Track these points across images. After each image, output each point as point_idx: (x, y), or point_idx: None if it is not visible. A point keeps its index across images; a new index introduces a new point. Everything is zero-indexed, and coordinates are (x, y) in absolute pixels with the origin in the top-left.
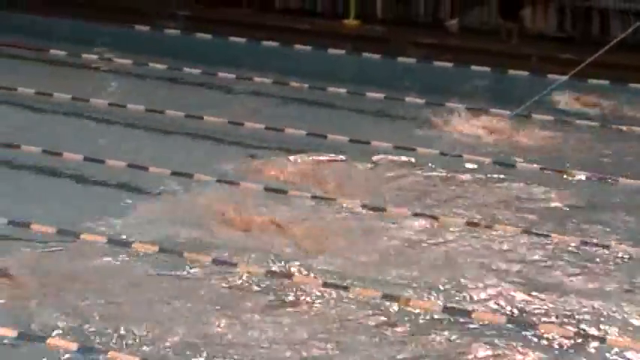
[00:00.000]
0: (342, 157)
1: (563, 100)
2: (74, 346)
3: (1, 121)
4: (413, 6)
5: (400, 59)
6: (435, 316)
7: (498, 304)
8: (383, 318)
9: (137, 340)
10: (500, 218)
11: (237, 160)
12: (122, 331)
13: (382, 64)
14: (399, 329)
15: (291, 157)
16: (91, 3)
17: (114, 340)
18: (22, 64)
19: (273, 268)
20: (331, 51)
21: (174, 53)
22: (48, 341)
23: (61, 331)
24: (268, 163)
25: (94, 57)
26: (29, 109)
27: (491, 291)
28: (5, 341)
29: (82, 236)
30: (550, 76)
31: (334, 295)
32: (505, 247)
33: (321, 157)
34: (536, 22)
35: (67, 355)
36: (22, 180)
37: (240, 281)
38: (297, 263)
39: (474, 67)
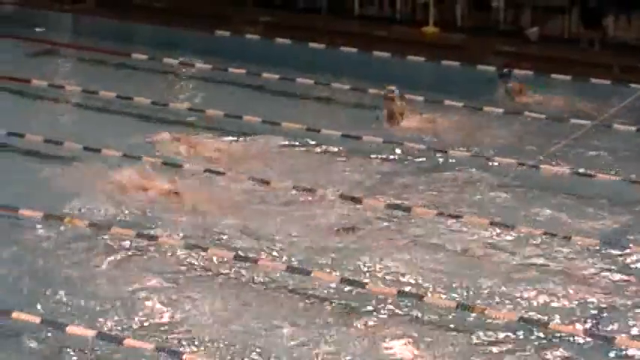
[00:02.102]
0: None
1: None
2: (150, 346)
3: (80, 123)
4: (493, 14)
5: (479, 67)
6: None
7: None
8: None
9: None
10: None
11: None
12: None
13: (461, 72)
14: None
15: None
16: (172, 8)
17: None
18: (104, 68)
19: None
20: (410, 58)
21: (254, 58)
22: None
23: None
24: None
25: (175, 62)
26: (107, 112)
27: None
28: (84, 341)
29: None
30: (632, 85)
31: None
32: None
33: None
34: (619, 31)
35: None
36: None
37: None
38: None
39: (553, 76)
